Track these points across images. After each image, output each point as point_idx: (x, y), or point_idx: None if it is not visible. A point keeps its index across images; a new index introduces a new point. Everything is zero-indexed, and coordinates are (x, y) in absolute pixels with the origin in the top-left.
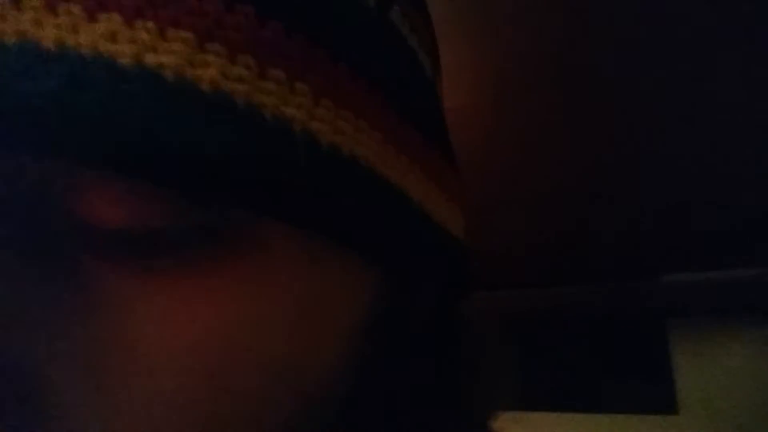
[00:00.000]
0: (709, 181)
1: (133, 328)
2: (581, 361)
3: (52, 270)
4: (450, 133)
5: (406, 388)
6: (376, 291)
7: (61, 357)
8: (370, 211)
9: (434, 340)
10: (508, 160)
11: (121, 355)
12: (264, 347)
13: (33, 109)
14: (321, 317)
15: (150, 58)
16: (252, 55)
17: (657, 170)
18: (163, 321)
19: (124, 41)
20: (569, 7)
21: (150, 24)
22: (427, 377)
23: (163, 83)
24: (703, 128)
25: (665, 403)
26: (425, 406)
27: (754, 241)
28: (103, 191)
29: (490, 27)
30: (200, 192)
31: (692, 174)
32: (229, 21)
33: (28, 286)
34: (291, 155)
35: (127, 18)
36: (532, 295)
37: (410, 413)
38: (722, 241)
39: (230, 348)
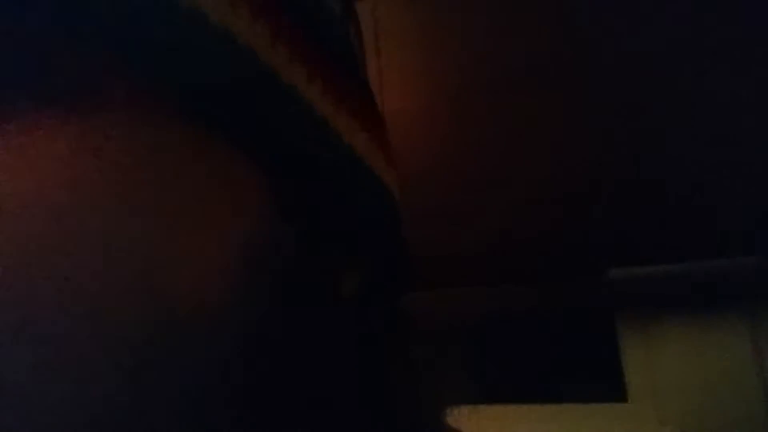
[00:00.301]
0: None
1: None
2: (535, 355)
3: None
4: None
5: (314, 372)
6: (264, 204)
7: None
8: (253, 96)
9: (364, 327)
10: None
11: None
12: (116, 235)
13: None
14: (195, 212)
15: None
16: None
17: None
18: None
19: None
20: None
21: None
22: (347, 368)
23: None
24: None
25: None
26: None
27: (694, 235)
28: None
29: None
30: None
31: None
32: None
33: None
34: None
35: None
36: (484, 293)
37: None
38: (666, 235)
39: (57, 227)
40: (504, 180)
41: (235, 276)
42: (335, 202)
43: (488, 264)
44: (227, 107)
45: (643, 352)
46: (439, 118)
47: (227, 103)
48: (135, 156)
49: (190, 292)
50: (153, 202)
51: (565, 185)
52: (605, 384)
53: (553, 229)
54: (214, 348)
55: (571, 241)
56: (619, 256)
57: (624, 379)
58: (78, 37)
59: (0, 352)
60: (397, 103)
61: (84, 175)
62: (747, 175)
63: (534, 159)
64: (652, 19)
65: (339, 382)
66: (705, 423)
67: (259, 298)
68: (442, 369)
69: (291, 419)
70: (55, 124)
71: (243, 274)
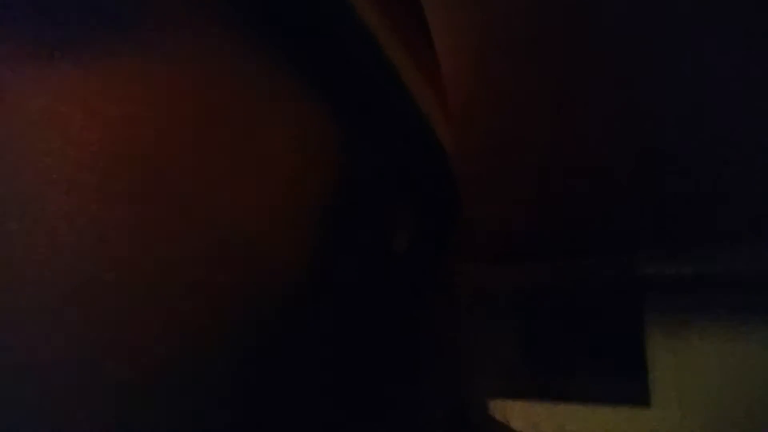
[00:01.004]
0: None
1: (28, 105)
2: (559, 351)
3: None
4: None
5: (372, 322)
6: (336, 150)
7: None
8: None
9: (414, 279)
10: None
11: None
12: (180, 158)
13: None
14: (259, 143)
15: None
16: None
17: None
18: (47, 121)
19: None
20: None
21: None
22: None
23: None
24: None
25: (639, 396)
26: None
27: (729, 239)
28: None
29: None
30: None
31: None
32: None
33: None
34: None
35: None
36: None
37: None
38: (701, 236)
39: (132, 163)
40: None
41: (307, 223)
42: (396, 159)
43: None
44: (309, 50)
45: (671, 356)
46: (464, 80)
47: (309, 47)
48: (218, 91)
49: (261, 237)
50: (230, 140)
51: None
52: (630, 385)
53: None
54: (290, 291)
55: (602, 220)
56: (649, 238)
57: (648, 384)
58: None
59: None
60: None
61: (171, 111)
62: None
63: (560, 124)
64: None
65: (384, 338)
66: (729, 431)
67: (326, 246)
68: (486, 345)
69: (337, 371)
70: (135, 56)
71: (314, 223)
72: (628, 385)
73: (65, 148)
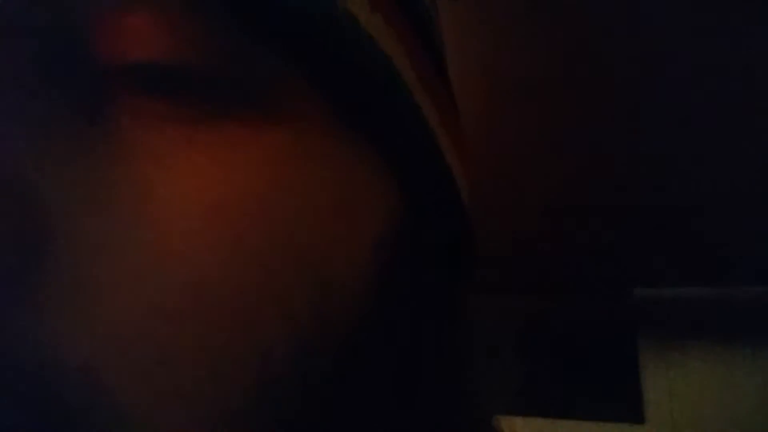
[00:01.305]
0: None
1: (151, 174)
2: (555, 370)
3: (72, 104)
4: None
5: (418, 341)
6: (394, 203)
7: (68, 185)
8: (393, 110)
9: (444, 306)
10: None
11: (133, 198)
12: (289, 222)
13: None
14: (346, 207)
15: None
16: None
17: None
18: (185, 174)
19: None
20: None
21: None
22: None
23: None
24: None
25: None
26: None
27: (724, 261)
28: (132, 20)
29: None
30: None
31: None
32: None
33: (49, 117)
34: (337, 23)
35: None
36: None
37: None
38: (695, 259)
39: (251, 216)
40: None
41: (378, 269)
42: (434, 211)
43: (511, 271)
44: (363, 110)
45: (663, 378)
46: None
47: (364, 107)
48: (305, 166)
49: (345, 280)
50: (311, 203)
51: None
52: (624, 404)
53: (580, 242)
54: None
55: (599, 256)
56: (645, 276)
57: (643, 403)
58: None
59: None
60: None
61: (263, 183)
62: None
63: (560, 165)
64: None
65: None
66: None
67: (388, 287)
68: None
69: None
70: (240, 129)
71: (382, 268)
72: (623, 404)
73: (203, 200)
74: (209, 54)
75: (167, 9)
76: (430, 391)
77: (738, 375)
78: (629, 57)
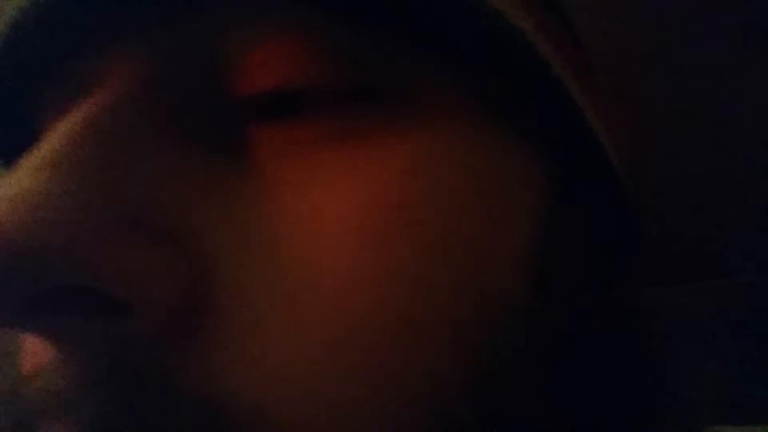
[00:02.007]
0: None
1: (295, 206)
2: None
3: (208, 142)
4: None
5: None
6: (545, 199)
7: (224, 230)
8: (533, 86)
9: (612, 303)
10: None
11: (284, 235)
12: (441, 231)
13: None
14: (497, 207)
15: None
16: None
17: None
18: (329, 193)
19: None
20: None
21: None
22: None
23: None
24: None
25: None
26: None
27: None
28: (264, 51)
29: None
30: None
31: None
32: None
33: (185, 160)
34: (480, 25)
35: None
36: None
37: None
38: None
39: (403, 231)
40: None
41: (531, 269)
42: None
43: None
44: (503, 94)
45: None
46: None
47: (504, 89)
48: (452, 169)
49: (501, 282)
50: (462, 207)
51: None
52: None
53: None
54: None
55: None
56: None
57: None
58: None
59: None
60: None
61: (411, 192)
62: None
63: None
64: None
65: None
66: None
67: (545, 283)
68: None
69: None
70: (384, 137)
71: (536, 267)
72: None
73: (351, 225)
74: (338, 70)
75: (292, 35)
76: (614, 399)
77: None
78: (619, 53)
